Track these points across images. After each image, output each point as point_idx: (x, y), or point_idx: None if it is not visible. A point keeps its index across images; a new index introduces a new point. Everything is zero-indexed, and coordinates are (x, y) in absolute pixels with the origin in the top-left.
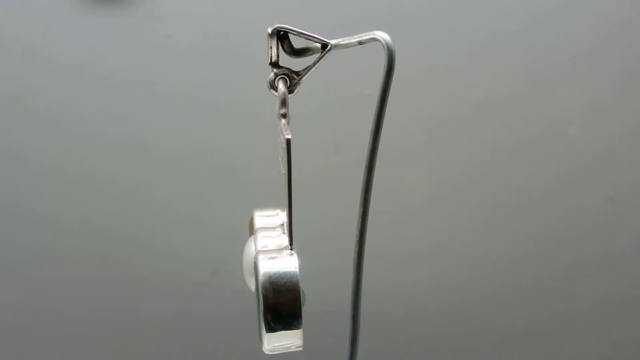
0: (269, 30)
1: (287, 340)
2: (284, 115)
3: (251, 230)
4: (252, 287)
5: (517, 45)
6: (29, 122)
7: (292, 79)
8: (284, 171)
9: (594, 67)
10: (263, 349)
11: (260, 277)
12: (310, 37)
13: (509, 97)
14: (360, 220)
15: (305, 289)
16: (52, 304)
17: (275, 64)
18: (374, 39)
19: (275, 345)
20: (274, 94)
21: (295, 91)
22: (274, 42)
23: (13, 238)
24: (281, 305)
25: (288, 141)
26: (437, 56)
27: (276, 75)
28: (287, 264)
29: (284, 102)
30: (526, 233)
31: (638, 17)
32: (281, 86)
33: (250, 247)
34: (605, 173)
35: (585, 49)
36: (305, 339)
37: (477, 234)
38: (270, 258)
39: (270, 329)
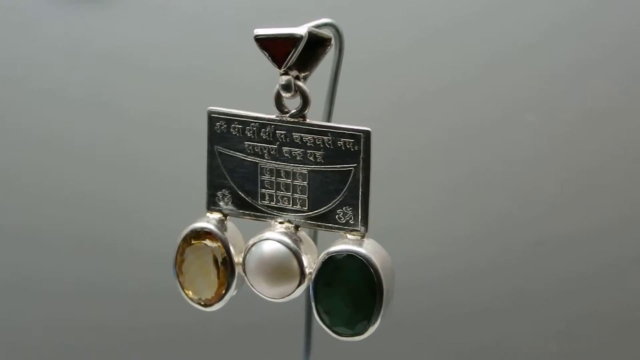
0: (254, 37)
1: None
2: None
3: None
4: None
5: (475, 30)
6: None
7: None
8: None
9: (552, 54)
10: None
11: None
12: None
13: (467, 81)
14: None
15: None
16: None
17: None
18: (327, 24)
19: None
20: (286, 97)
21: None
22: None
23: None
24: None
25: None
26: (392, 41)
27: (291, 77)
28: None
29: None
30: (485, 214)
31: (596, 4)
32: (300, 84)
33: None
34: (563, 156)
35: (542, 36)
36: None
37: (438, 214)
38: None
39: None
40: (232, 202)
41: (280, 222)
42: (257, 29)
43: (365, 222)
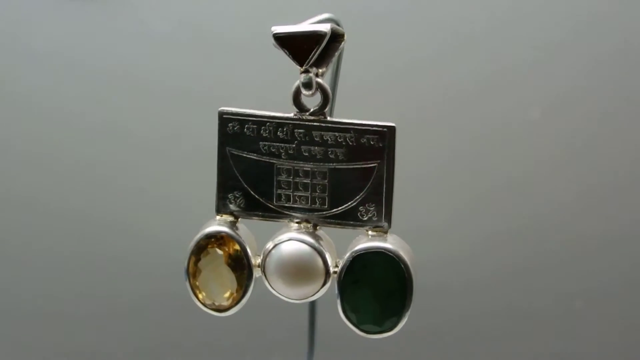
0: (272, 35)
1: None
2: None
3: None
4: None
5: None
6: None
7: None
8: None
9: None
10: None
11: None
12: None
13: (491, 86)
14: None
15: None
16: (28, 287)
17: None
18: (328, 19)
19: None
20: (306, 95)
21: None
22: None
23: None
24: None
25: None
26: (403, 44)
27: (312, 75)
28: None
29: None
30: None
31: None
32: (321, 81)
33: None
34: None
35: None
36: None
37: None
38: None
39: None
40: (244, 204)
41: (297, 222)
42: (275, 27)
43: (388, 218)
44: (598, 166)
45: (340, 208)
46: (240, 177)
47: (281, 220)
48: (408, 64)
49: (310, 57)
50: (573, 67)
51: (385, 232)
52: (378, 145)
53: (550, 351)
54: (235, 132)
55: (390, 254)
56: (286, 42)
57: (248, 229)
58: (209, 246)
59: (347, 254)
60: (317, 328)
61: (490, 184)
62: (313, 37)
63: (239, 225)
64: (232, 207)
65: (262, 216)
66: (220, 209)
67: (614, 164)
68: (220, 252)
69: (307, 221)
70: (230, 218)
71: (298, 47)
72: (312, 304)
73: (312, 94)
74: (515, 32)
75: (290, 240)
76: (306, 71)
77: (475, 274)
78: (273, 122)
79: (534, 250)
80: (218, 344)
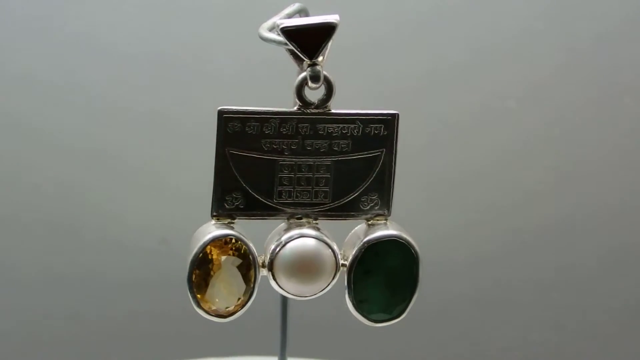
0: (280, 29)
1: None
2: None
3: None
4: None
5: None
6: None
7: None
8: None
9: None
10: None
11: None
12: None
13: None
14: None
15: None
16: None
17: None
18: (300, 10)
19: None
20: (312, 88)
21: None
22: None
23: None
24: None
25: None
26: (378, 30)
27: (320, 67)
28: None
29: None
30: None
31: None
32: (326, 74)
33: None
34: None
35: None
36: None
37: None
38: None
39: None
40: (243, 204)
41: (298, 218)
42: (281, 21)
43: (389, 205)
44: (574, 155)
45: (342, 200)
46: (239, 178)
47: (280, 217)
48: (381, 51)
49: (321, 49)
50: (549, 56)
51: (386, 220)
52: (383, 133)
53: (526, 338)
54: (235, 132)
55: (402, 241)
56: (294, 36)
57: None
58: (215, 251)
59: (358, 245)
60: (289, 316)
61: (464, 172)
62: (323, 29)
63: (235, 226)
64: (229, 208)
65: (261, 215)
66: (218, 210)
67: (589, 153)
68: (231, 256)
69: (308, 216)
70: (227, 220)
71: (307, 40)
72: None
73: (318, 87)
74: (490, 19)
75: (301, 237)
76: (314, 64)
77: (448, 262)
78: (277, 118)
79: (508, 238)
80: (189, 333)
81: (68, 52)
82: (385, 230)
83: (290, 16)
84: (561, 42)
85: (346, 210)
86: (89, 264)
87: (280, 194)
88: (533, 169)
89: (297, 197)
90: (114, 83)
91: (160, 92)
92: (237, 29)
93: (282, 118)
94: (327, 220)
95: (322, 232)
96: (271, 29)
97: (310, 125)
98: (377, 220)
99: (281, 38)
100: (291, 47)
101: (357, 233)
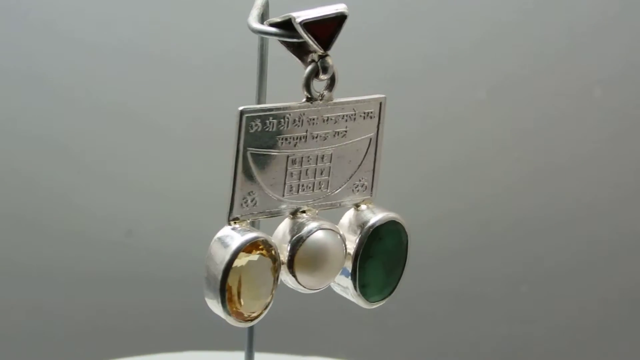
0: (298, 22)
1: None
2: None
3: None
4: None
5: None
6: None
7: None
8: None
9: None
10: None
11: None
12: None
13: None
14: None
15: None
16: None
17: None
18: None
19: None
20: (322, 79)
21: None
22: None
23: None
24: None
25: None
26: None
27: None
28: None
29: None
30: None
31: None
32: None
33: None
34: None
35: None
36: None
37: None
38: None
39: None
40: (257, 204)
41: (302, 212)
42: (295, 14)
43: (373, 186)
44: (545, 147)
45: (339, 187)
46: (257, 177)
47: (286, 213)
48: (351, 42)
49: (333, 40)
50: (520, 47)
51: (371, 203)
52: (373, 117)
53: (498, 333)
54: (256, 131)
55: (399, 222)
56: (311, 27)
57: None
58: (247, 255)
59: (362, 230)
60: None
61: (433, 166)
62: (337, 19)
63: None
64: (246, 209)
65: (270, 213)
66: (235, 214)
67: (561, 145)
68: (267, 259)
69: (310, 208)
70: (244, 223)
71: (323, 31)
72: None
73: (327, 78)
74: (462, 11)
75: (320, 230)
76: (325, 55)
77: (417, 255)
78: (290, 112)
79: (477, 232)
80: (156, 327)
81: (31, 40)
82: (383, 213)
83: (263, 6)
84: (534, 35)
85: (341, 198)
86: (53, 256)
87: (290, 188)
88: (504, 163)
89: (303, 190)
90: (79, 73)
91: (126, 83)
92: (205, 19)
93: (294, 112)
94: (324, 210)
95: (329, 222)
96: (260, 21)
97: (317, 117)
98: (365, 203)
99: (276, 30)
100: (295, 39)
101: (350, 219)
